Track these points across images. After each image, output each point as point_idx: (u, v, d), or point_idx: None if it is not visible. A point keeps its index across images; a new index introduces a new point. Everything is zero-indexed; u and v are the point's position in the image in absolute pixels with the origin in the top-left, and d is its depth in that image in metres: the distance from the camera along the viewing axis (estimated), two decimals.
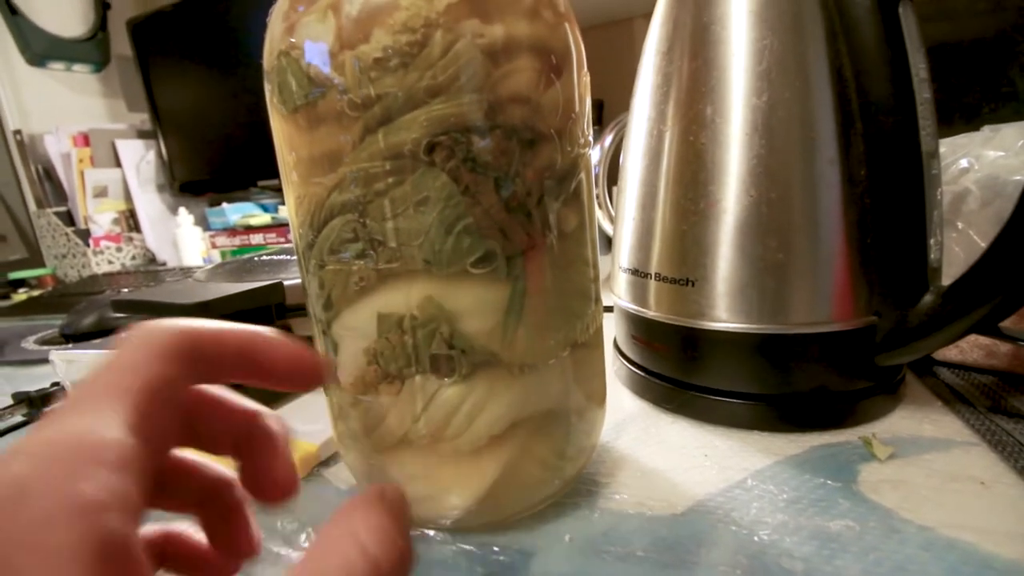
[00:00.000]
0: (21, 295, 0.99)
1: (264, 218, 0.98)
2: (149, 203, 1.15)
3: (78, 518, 0.09)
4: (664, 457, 0.26)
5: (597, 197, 0.54)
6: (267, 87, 0.19)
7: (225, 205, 1.03)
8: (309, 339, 0.33)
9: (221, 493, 0.15)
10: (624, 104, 0.35)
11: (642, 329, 0.30)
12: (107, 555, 0.09)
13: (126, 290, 0.70)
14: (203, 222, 1.08)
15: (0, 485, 0.09)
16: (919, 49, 0.24)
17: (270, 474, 0.14)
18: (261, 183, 1.04)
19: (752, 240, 0.25)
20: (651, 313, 0.29)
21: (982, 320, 0.23)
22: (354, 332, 0.19)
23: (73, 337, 0.59)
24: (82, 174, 1.08)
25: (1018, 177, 0.30)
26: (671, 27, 0.28)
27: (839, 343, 0.25)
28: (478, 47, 0.16)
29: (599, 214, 0.57)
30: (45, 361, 0.53)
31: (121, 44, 1.20)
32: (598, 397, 0.23)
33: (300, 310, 0.34)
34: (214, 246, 1.02)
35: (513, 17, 0.17)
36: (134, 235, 1.13)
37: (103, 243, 1.07)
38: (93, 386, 0.11)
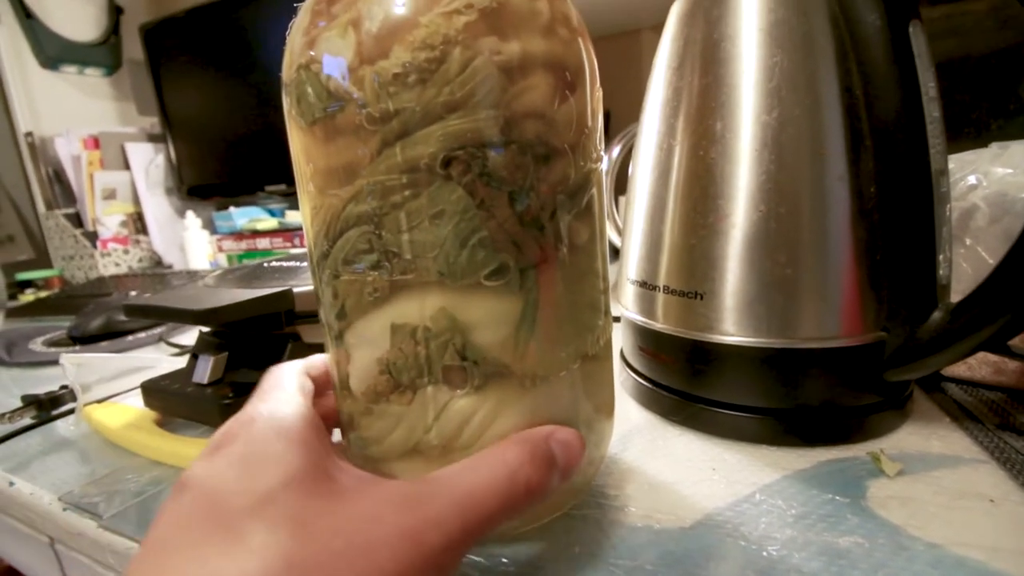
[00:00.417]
0: (28, 296, 1.00)
1: (271, 223, 0.98)
2: (157, 206, 1.15)
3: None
4: (672, 470, 0.26)
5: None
6: (285, 99, 0.19)
7: (232, 209, 1.03)
8: (319, 347, 0.34)
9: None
10: (632, 115, 0.36)
11: (649, 341, 0.30)
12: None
13: (133, 293, 0.70)
14: (210, 226, 1.08)
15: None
16: (929, 68, 0.24)
17: None
18: (268, 188, 1.04)
19: (761, 255, 0.25)
20: (659, 325, 0.29)
21: (991, 338, 0.23)
22: (367, 342, 0.19)
23: (81, 339, 0.60)
24: (91, 177, 1.09)
25: None
26: (682, 43, 0.28)
27: (847, 359, 0.25)
28: (495, 64, 0.17)
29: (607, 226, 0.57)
30: (53, 363, 0.54)
31: (133, 48, 1.22)
32: (607, 409, 0.23)
33: (309, 317, 0.34)
34: (221, 250, 1.03)
35: (529, 34, 0.17)
36: (141, 238, 1.14)
37: (110, 245, 1.08)
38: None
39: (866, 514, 0.22)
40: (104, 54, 1.23)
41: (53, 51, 1.14)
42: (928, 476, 0.24)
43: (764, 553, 0.20)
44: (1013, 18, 0.44)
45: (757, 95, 0.25)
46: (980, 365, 0.31)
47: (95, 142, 1.11)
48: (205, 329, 0.36)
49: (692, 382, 0.29)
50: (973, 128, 0.43)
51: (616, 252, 0.36)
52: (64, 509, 0.28)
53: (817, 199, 0.24)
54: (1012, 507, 0.21)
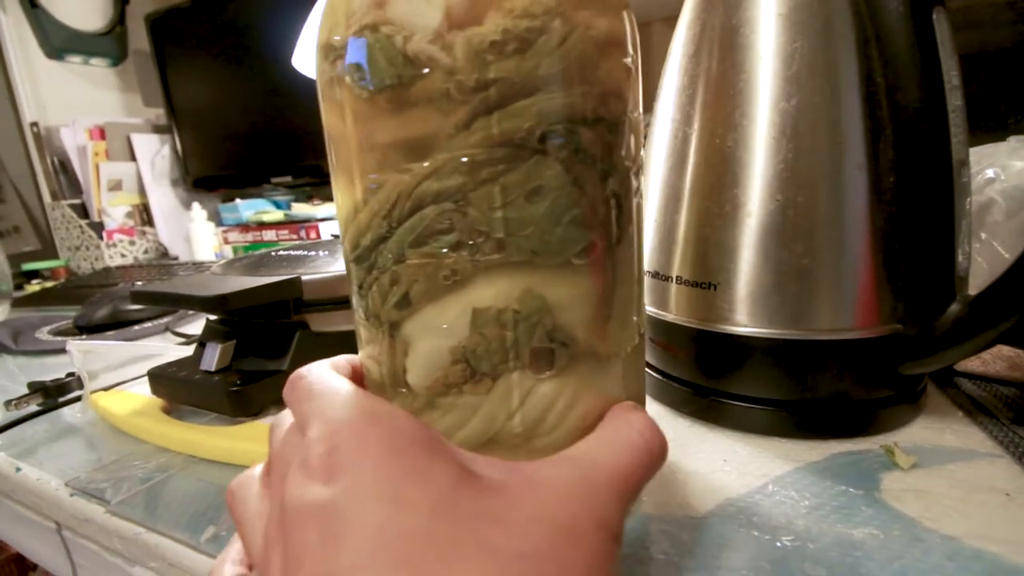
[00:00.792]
0: (34, 286, 1.00)
1: (277, 215, 0.98)
2: (163, 197, 1.15)
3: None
4: (683, 461, 0.25)
5: None
6: (331, 64, 0.17)
7: (238, 201, 1.03)
8: (328, 336, 0.33)
9: None
10: (645, 106, 0.35)
11: (661, 332, 0.30)
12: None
13: (140, 283, 0.70)
14: (216, 218, 1.08)
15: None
16: (952, 56, 0.24)
17: None
18: (275, 180, 1.04)
19: (777, 245, 0.25)
20: (671, 316, 0.29)
21: (1009, 331, 0.23)
22: (439, 330, 0.18)
23: (87, 328, 0.60)
24: (97, 167, 1.09)
25: None
26: (698, 29, 0.28)
27: (862, 351, 0.25)
28: (590, 39, 0.16)
29: None
30: (59, 351, 0.54)
31: (139, 39, 1.21)
32: (643, 398, 0.23)
33: (317, 306, 0.34)
34: (226, 242, 1.03)
35: (609, 10, 0.17)
36: (147, 229, 1.14)
37: (116, 236, 1.08)
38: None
39: (880, 506, 0.21)
40: (110, 44, 1.23)
41: (58, 41, 1.14)
42: (943, 469, 0.23)
43: (778, 544, 0.20)
44: None
45: (776, 82, 0.25)
46: (994, 360, 0.31)
47: (101, 132, 1.11)
48: (212, 317, 0.36)
49: (704, 374, 0.28)
50: (990, 122, 0.42)
51: None
52: (71, 495, 0.28)
53: (835, 188, 0.24)
54: None
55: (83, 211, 1.12)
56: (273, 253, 0.39)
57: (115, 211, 1.11)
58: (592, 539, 0.14)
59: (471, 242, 0.17)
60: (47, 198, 1.13)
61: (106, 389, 0.38)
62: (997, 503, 0.21)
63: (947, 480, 0.23)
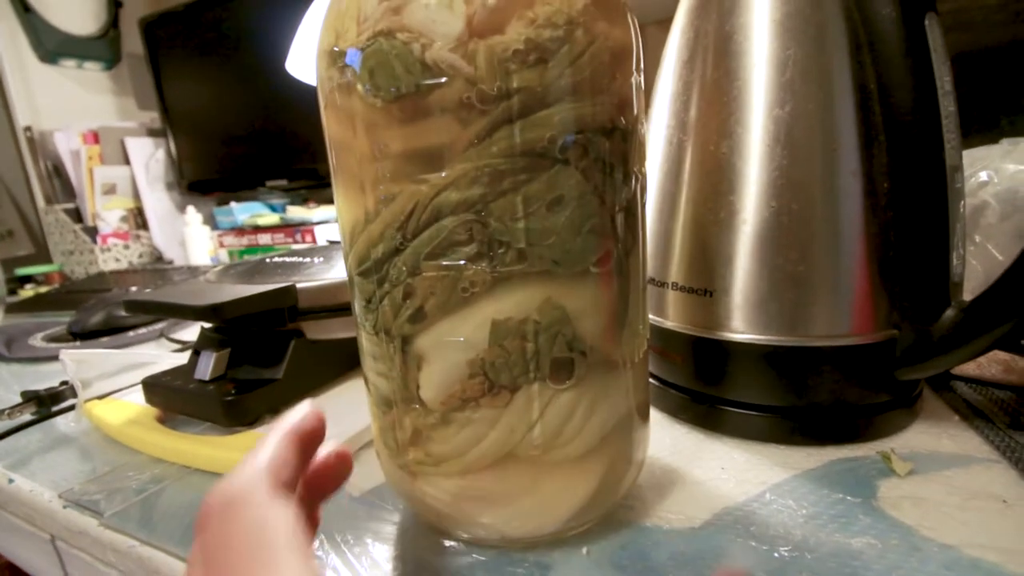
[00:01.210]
0: (28, 291, 0.99)
1: (272, 218, 0.98)
2: (157, 201, 1.15)
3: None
4: (680, 469, 0.25)
5: None
6: (340, 70, 0.17)
7: (233, 204, 1.03)
8: (323, 344, 0.33)
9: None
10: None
11: (658, 338, 0.30)
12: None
13: (134, 288, 0.70)
14: (211, 221, 1.08)
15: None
16: (944, 61, 0.24)
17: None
18: (270, 183, 1.04)
19: (772, 252, 0.25)
20: (668, 323, 0.29)
21: (1005, 336, 0.23)
22: (455, 343, 0.17)
23: (81, 335, 0.60)
24: (91, 171, 1.09)
25: None
26: (692, 35, 0.28)
27: (858, 357, 0.25)
28: (607, 50, 0.17)
29: None
30: (53, 359, 0.54)
31: (132, 42, 1.21)
32: (646, 410, 0.23)
33: (312, 313, 0.34)
34: (222, 245, 1.02)
35: (622, 20, 0.18)
36: (141, 233, 1.13)
37: (110, 240, 1.08)
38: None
39: (878, 514, 0.21)
40: (103, 48, 1.22)
41: (52, 45, 1.13)
42: (940, 476, 0.23)
43: (776, 554, 0.20)
44: (1023, 12, 0.44)
45: (770, 88, 0.25)
46: (990, 364, 0.31)
47: (95, 137, 1.10)
48: (207, 325, 0.36)
49: (700, 380, 0.28)
50: (983, 124, 0.42)
51: None
52: (64, 507, 0.28)
53: (830, 195, 0.24)
54: None
55: (77, 215, 1.11)
56: (268, 260, 0.39)
57: (109, 215, 1.10)
58: None
59: (491, 253, 0.16)
60: (41, 203, 1.12)
61: (100, 398, 0.37)
62: (995, 510, 0.21)
63: (944, 487, 0.23)
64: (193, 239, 1.02)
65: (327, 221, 0.93)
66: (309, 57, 0.69)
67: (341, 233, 0.20)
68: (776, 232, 0.25)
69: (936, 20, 0.24)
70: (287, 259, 0.39)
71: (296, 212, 0.97)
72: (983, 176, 0.33)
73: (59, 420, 0.37)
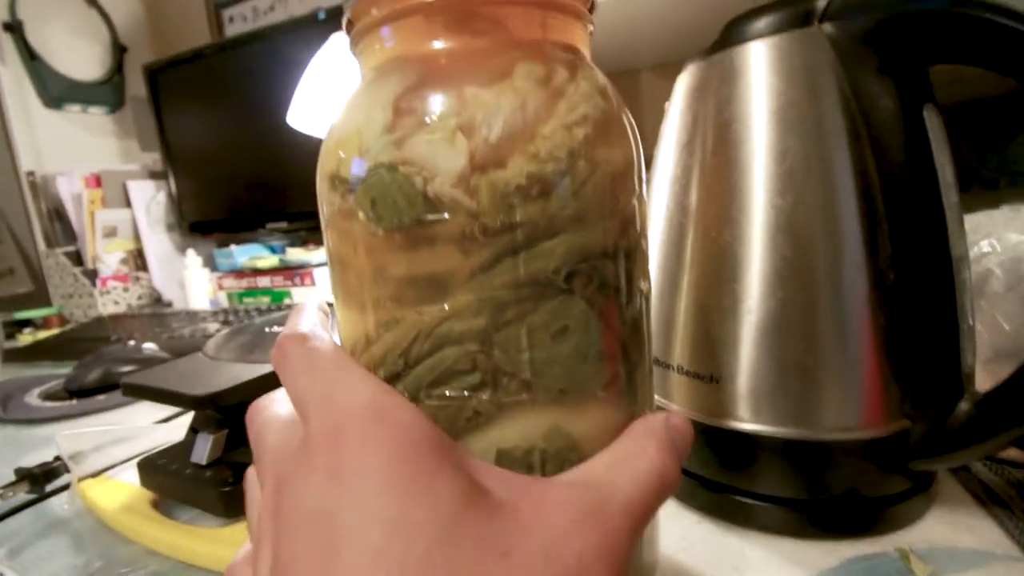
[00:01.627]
0: (27, 336, 0.99)
1: (272, 260, 0.98)
2: (158, 243, 1.15)
3: None
4: (691, 567, 0.25)
5: None
6: (342, 196, 0.17)
7: (233, 247, 1.03)
8: None
9: None
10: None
11: None
12: None
13: (132, 342, 0.69)
14: (211, 263, 1.08)
15: None
16: (945, 151, 0.24)
17: None
18: (270, 225, 1.04)
19: (779, 342, 0.24)
20: (675, 406, 0.28)
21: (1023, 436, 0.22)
22: None
23: (78, 392, 0.59)
24: (92, 215, 1.09)
25: None
26: (691, 119, 0.28)
27: (870, 449, 0.24)
28: (608, 175, 0.16)
29: None
30: (48, 420, 0.53)
31: (136, 85, 1.23)
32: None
33: None
34: (221, 287, 1.02)
35: (620, 138, 0.17)
36: (141, 275, 1.14)
37: (110, 283, 1.08)
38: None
39: None
40: (107, 92, 1.25)
41: (57, 91, 1.15)
42: None
43: None
44: None
45: (769, 178, 0.24)
46: None
47: (97, 180, 1.11)
48: None
49: (710, 467, 0.28)
50: (979, 182, 0.42)
51: None
52: None
53: (835, 286, 0.24)
54: None
55: (77, 258, 1.12)
56: (267, 329, 0.39)
57: (110, 258, 1.11)
58: (600, 573, 0.13)
59: (496, 383, 0.16)
60: (42, 246, 1.13)
61: (94, 475, 0.37)
62: None
63: None
64: (192, 282, 1.02)
65: (325, 264, 0.93)
66: (309, 110, 0.70)
67: (343, 345, 0.19)
68: (783, 323, 0.24)
69: (935, 111, 0.24)
70: None
71: (295, 254, 0.97)
72: (985, 247, 0.32)
73: (53, 500, 0.36)
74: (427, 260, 0.16)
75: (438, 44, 0.17)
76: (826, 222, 0.24)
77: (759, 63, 0.25)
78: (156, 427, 0.43)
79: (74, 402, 0.58)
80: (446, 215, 0.15)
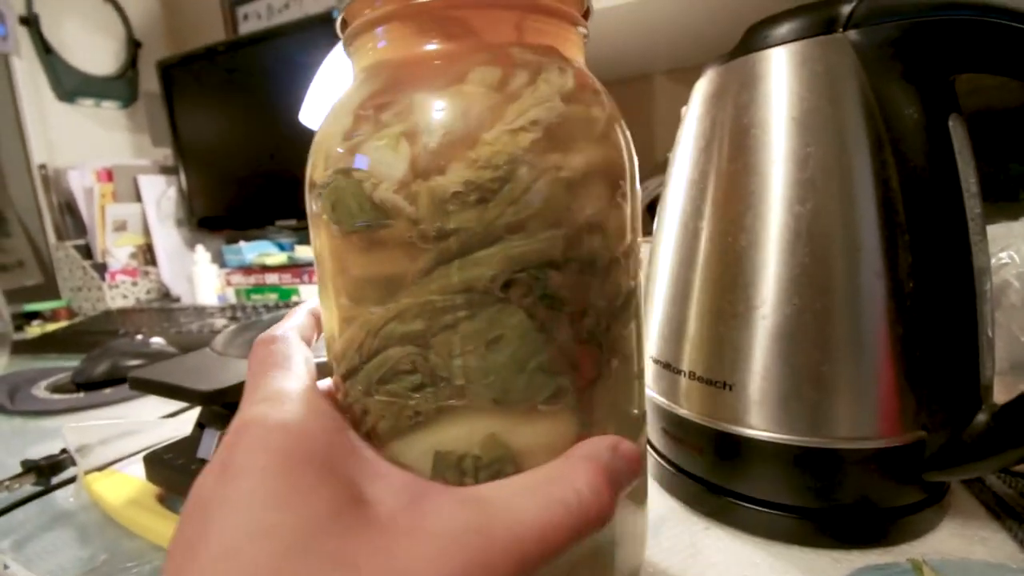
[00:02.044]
0: (35, 328, 1.00)
1: (280, 257, 0.98)
2: (167, 237, 1.16)
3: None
4: (699, 574, 0.24)
5: None
6: (315, 199, 0.18)
7: (242, 243, 1.03)
8: None
9: None
10: (645, 160, 0.35)
11: (674, 425, 0.29)
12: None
13: (140, 336, 0.70)
14: (219, 259, 1.08)
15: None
16: (969, 163, 0.23)
17: None
18: (279, 222, 1.05)
19: (794, 350, 0.24)
20: (683, 411, 0.28)
21: None
22: (403, 467, 0.17)
23: (85, 385, 0.59)
24: (103, 209, 1.10)
25: None
26: (709, 124, 0.28)
27: (884, 459, 0.24)
28: (560, 181, 0.16)
29: None
30: (55, 412, 0.53)
31: (149, 80, 1.23)
32: (641, 496, 0.22)
33: None
34: (229, 283, 1.03)
35: (587, 143, 0.17)
36: (150, 269, 1.14)
37: (119, 277, 1.08)
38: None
39: None
40: (121, 87, 1.25)
41: (71, 85, 1.16)
42: None
43: None
44: None
45: (789, 185, 0.24)
46: None
47: (108, 174, 1.12)
48: None
49: (719, 473, 0.27)
50: (1000, 193, 0.42)
51: None
52: None
53: (854, 294, 0.23)
54: None
55: (87, 252, 1.12)
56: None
57: (119, 252, 1.11)
58: None
59: (433, 385, 0.16)
60: (52, 239, 1.13)
61: (100, 469, 0.37)
62: None
63: None
64: (200, 277, 1.03)
65: None
66: (322, 109, 0.71)
67: (324, 339, 0.20)
68: (799, 330, 0.24)
69: (960, 121, 0.23)
70: None
71: (304, 251, 0.97)
72: (1004, 258, 0.32)
73: (58, 493, 0.36)
74: (379, 263, 0.17)
75: (416, 49, 0.17)
76: (846, 230, 0.23)
77: (780, 69, 0.25)
78: (163, 422, 0.43)
79: (81, 395, 0.58)
80: (390, 221, 0.16)
